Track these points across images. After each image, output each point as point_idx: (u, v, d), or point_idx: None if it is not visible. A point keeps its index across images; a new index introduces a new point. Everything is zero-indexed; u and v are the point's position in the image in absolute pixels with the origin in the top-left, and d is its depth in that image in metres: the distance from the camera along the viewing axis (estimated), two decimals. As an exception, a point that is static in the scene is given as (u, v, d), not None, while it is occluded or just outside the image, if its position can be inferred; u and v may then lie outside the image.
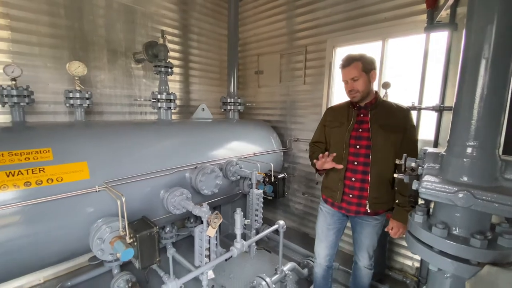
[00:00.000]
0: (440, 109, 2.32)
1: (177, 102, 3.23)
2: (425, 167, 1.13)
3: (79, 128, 2.18)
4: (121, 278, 2.25)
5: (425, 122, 2.50)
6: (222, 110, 3.64)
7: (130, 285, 2.24)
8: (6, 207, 1.54)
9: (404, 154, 1.27)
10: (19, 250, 1.63)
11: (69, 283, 2.47)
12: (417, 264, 2.70)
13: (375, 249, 2.00)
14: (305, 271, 2.68)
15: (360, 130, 1.81)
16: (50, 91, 2.56)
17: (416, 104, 2.44)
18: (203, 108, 3.36)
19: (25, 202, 1.59)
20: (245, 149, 3.04)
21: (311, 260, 2.67)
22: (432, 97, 2.43)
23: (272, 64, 3.77)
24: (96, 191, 1.82)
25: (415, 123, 2.45)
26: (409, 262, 2.78)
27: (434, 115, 2.40)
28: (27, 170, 1.64)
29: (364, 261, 2.01)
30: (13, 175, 1.59)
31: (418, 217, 1.13)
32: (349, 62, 1.73)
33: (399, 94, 2.62)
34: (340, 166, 1.78)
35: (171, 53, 3.27)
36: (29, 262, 1.74)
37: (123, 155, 2.09)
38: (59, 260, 1.92)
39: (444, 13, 2.21)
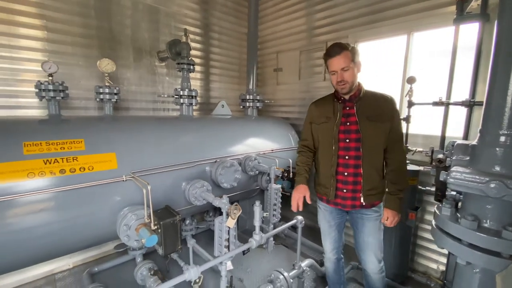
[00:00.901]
0: (470, 104, 2.21)
1: (198, 99, 3.31)
2: (453, 158, 1.09)
3: (108, 122, 2.31)
4: (144, 266, 2.34)
5: (452, 118, 2.39)
6: (241, 107, 3.68)
7: (152, 273, 2.33)
8: (43, 192, 1.67)
9: (431, 146, 1.23)
10: (53, 234, 1.76)
11: (96, 269, 2.61)
12: (442, 268, 2.58)
13: (383, 251, 1.86)
14: (323, 268, 2.64)
15: (348, 123, 1.76)
16: (82, 87, 2.72)
17: (443, 99, 2.34)
18: (222, 105, 3.42)
19: (61, 188, 1.72)
20: (263, 146, 3.06)
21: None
22: (459, 92, 2.31)
23: (291, 61, 3.76)
24: (123, 180, 1.92)
25: (442, 119, 2.39)
26: (433, 266, 2.67)
27: (462, 111, 2.28)
28: (62, 158, 1.77)
29: (371, 266, 1.87)
30: (50, 163, 1.72)
31: (445, 210, 1.09)
32: (339, 51, 1.64)
33: (424, 89, 2.52)
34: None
35: (192, 52, 3.36)
36: (61, 245, 1.86)
37: (148, 147, 2.18)
38: (88, 245, 2.05)
39: (475, 4, 2.11)
